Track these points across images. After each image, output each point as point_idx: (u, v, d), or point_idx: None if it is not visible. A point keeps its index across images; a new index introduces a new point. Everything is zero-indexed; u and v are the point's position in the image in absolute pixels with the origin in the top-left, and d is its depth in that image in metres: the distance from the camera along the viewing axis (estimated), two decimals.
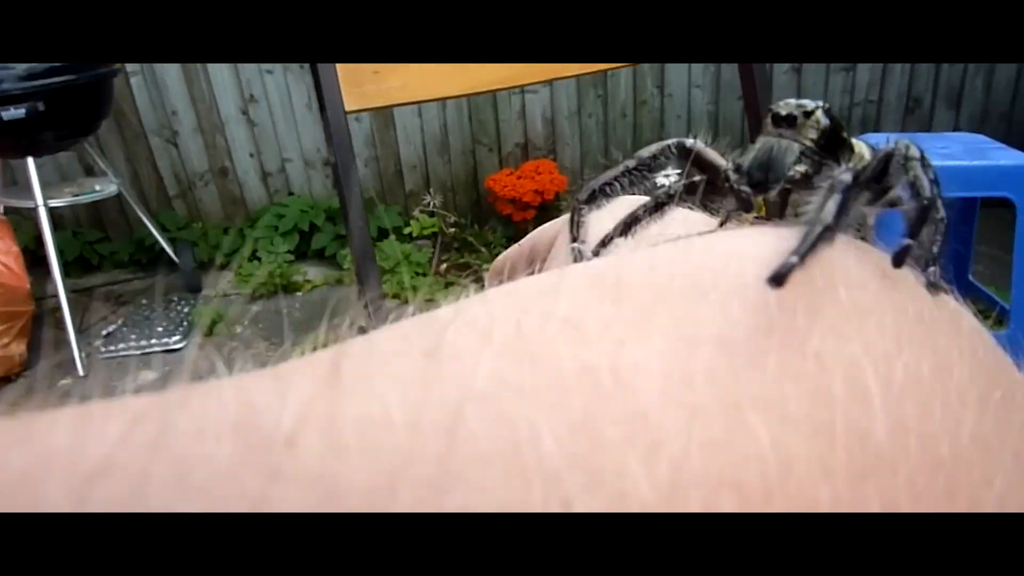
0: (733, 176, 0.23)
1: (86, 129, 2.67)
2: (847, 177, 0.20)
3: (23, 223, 2.86)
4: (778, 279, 0.16)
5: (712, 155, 0.25)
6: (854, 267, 0.19)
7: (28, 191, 2.54)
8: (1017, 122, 3.43)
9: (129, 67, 3.02)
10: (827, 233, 0.18)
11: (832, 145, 0.24)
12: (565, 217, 0.40)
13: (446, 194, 3.39)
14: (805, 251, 0.17)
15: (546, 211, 3.10)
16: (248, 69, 3.12)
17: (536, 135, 3.35)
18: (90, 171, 3.05)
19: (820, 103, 0.23)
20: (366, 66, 0.96)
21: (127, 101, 3.08)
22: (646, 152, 0.24)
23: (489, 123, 3.30)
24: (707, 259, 0.18)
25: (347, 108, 0.95)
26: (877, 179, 0.24)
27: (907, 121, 3.39)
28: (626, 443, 0.13)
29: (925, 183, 0.22)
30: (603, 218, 0.28)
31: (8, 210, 2.78)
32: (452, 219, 3.34)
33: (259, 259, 3.21)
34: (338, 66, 0.94)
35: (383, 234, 3.28)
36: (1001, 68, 3.33)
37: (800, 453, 0.13)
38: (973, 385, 0.16)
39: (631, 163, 0.24)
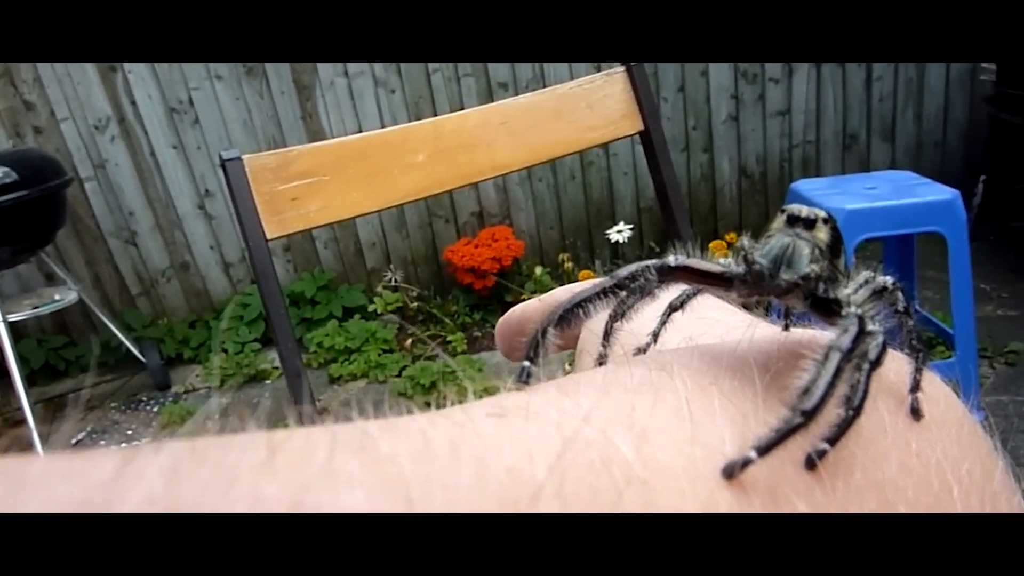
0: (746, 267, 0.23)
1: (42, 241, 2.70)
2: (846, 342, 0.20)
3: None
4: (729, 473, 0.17)
5: (703, 265, 0.24)
6: (928, 386, 0.23)
7: None
8: (950, 150, 3.55)
9: (83, 173, 3.07)
10: (800, 425, 0.18)
11: (835, 251, 0.24)
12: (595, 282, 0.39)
13: (407, 268, 3.44)
14: (767, 447, 0.17)
15: (506, 276, 3.16)
16: (201, 164, 3.18)
17: (490, 203, 3.42)
18: (51, 278, 3.07)
19: (826, 210, 0.25)
20: (284, 193, 1.01)
21: (83, 206, 3.12)
22: (624, 272, 0.23)
23: (443, 195, 3.37)
24: None
25: (268, 236, 0.99)
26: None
27: (846, 158, 3.51)
28: None
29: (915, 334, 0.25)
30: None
31: None
32: (415, 292, 3.38)
33: (226, 351, 3.22)
34: (256, 196, 0.99)
35: (348, 313, 3.32)
36: (929, 99, 3.47)
37: None
38: (1003, 488, 0.21)
39: (607, 282, 0.23)
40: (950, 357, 2.33)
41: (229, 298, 3.38)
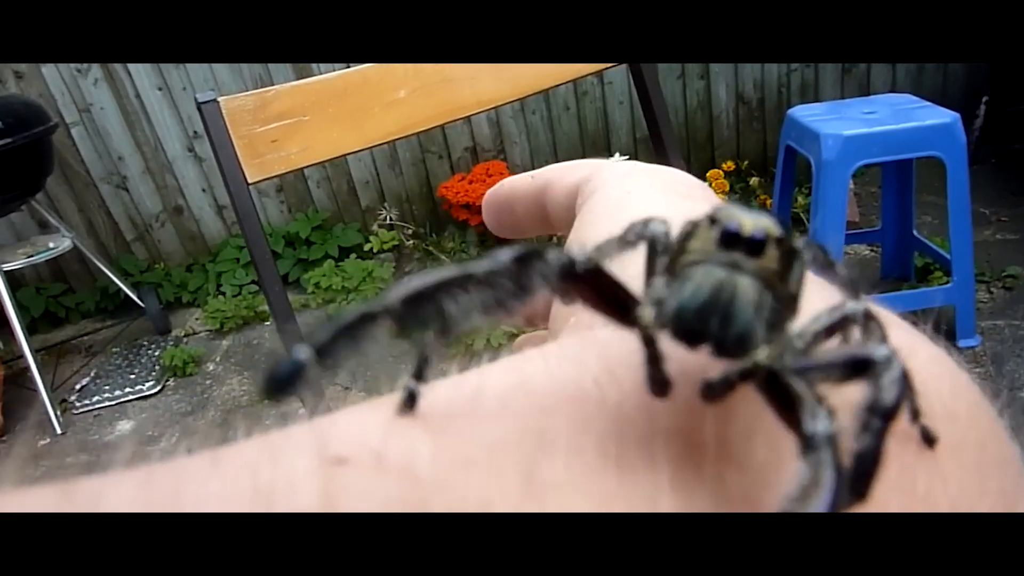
0: (649, 322, 0.15)
1: (31, 188, 2.67)
2: (820, 428, 0.14)
3: None
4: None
5: (614, 277, 0.17)
6: (947, 393, 0.19)
7: None
8: (952, 74, 3.47)
9: (68, 118, 3.02)
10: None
11: (786, 277, 0.17)
12: (589, 163, 0.33)
13: (402, 206, 3.41)
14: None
15: None
16: (188, 105, 3.12)
17: (483, 138, 3.37)
18: (44, 226, 3.06)
19: (777, 217, 0.17)
20: (263, 136, 0.99)
21: (71, 152, 3.08)
22: (503, 255, 0.16)
23: (436, 131, 3.32)
24: None
25: (250, 180, 0.97)
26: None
27: (845, 82, 3.43)
28: None
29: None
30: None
31: None
32: (411, 230, 3.36)
33: (224, 293, 3.22)
34: (235, 140, 0.97)
35: (345, 253, 3.31)
36: None
37: None
38: None
39: (480, 267, 0.16)
40: (947, 283, 2.33)
41: (225, 241, 3.36)
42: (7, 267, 2.62)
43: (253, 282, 3.23)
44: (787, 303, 0.17)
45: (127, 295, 3.04)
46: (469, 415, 0.16)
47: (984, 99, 3.31)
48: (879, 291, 2.62)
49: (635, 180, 0.30)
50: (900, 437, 0.17)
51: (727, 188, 3.18)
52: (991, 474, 0.18)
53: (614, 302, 0.16)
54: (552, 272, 0.16)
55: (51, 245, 2.82)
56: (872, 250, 2.88)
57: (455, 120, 1.12)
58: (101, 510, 0.14)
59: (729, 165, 3.34)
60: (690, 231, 0.17)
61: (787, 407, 0.15)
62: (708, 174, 3.20)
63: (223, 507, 0.14)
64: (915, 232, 2.58)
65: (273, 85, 1.04)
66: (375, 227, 3.37)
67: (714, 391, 0.15)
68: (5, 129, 2.41)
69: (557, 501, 0.15)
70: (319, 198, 3.38)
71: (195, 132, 3.17)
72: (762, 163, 3.47)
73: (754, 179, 3.27)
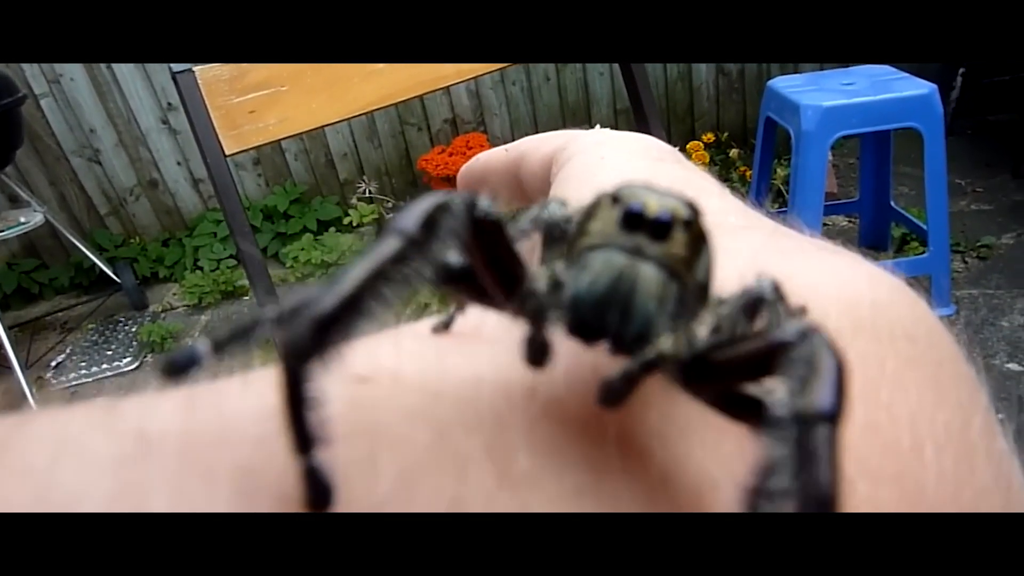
0: (544, 303, 0.14)
1: (1, 162, 2.61)
2: (784, 410, 0.12)
3: None
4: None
5: (512, 243, 0.15)
6: (907, 318, 0.20)
7: None
8: None
9: (37, 89, 2.95)
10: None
11: (693, 264, 0.15)
12: (563, 134, 0.33)
13: (381, 179, 3.38)
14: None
15: None
16: (162, 76, 3.06)
17: (463, 109, 3.34)
18: (14, 200, 3.00)
19: (685, 198, 0.15)
20: (241, 107, 0.97)
21: (41, 124, 3.01)
22: (382, 258, 0.13)
23: (415, 102, 3.28)
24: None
25: (227, 152, 0.96)
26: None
27: None
28: None
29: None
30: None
31: None
32: (390, 204, 3.34)
33: (201, 268, 3.19)
34: (212, 111, 0.95)
35: (324, 226, 3.28)
36: None
37: (879, 501, 0.15)
38: (982, 436, 0.18)
39: (359, 280, 0.13)
40: (923, 253, 2.36)
41: (201, 215, 3.32)
42: None
43: (231, 256, 3.20)
44: (695, 293, 0.15)
45: (102, 270, 2.99)
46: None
47: (960, 71, 3.33)
48: None
49: (609, 146, 0.30)
50: (864, 348, 0.18)
51: (707, 160, 3.19)
52: (949, 388, 0.19)
53: (504, 271, 0.14)
54: (459, 218, 0.14)
55: (22, 220, 2.77)
56: (850, 221, 2.90)
57: (436, 90, 1.11)
58: (147, 425, 0.14)
59: (709, 137, 3.34)
60: (591, 211, 0.15)
61: (719, 394, 0.14)
62: (688, 146, 3.20)
63: (259, 420, 0.14)
64: (892, 203, 2.60)
65: None
66: (354, 200, 3.34)
67: (613, 392, 0.14)
68: None
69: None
70: (297, 171, 3.34)
71: (169, 104, 3.11)
72: (742, 135, 3.48)
73: (734, 151, 3.27)
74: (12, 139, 2.59)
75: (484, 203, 0.15)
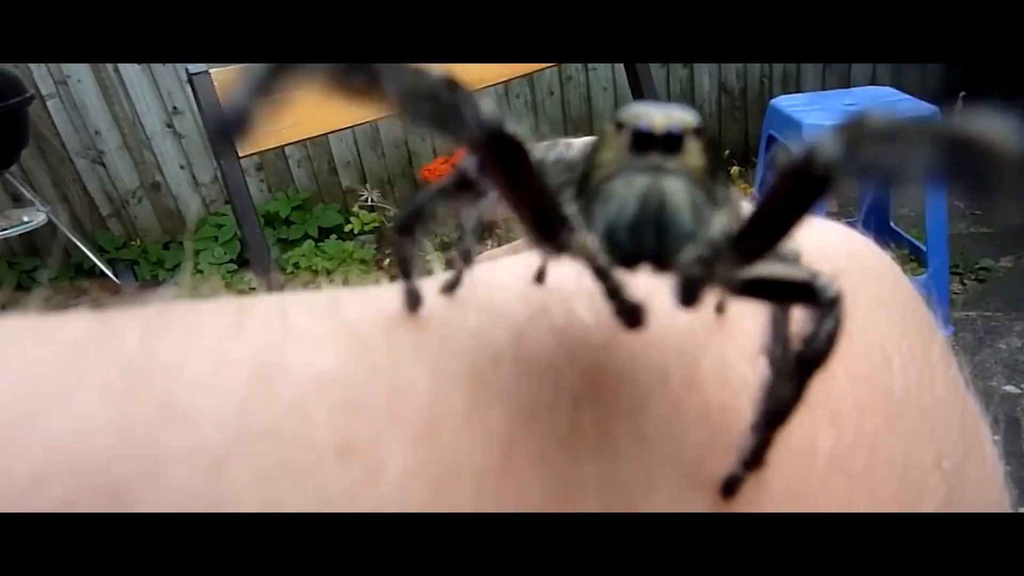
0: (594, 250, 0.14)
1: (6, 161, 2.62)
2: (830, 292, 0.14)
3: None
4: (730, 489, 0.15)
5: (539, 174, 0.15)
6: (877, 266, 0.24)
7: None
8: (931, 67, 3.52)
9: (44, 90, 2.96)
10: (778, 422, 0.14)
11: (714, 174, 0.15)
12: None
13: (383, 187, 3.40)
14: (751, 459, 0.15)
15: None
16: (168, 81, 3.07)
17: None
18: (17, 199, 3.00)
19: (691, 109, 0.15)
20: None
21: (47, 125, 3.02)
22: (466, 163, 0.16)
23: None
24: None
25: (240, 153, 0.97)
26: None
27: (827, 74, 3.46)
28: None
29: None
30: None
31: None
32: (392, 212, 3.34)
33: (201, 271, 3.19)
34: None
35: (325, 233, 3.28)
36: None
37: (856, 396, 0.19)
38: (941, 361, 0.22)
39: (450, 180, 0.17)
40: (922, 274, 2.37)
41: (203, 219, 3.33)
42: None
43: (231, 260, 3.20)
44: (722, 200, 0.15)
45: (103, 271, 2.99)
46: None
47: (961, 95, 3.36)
48: None
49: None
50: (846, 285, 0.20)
51: None
52: (911, 321, 0.22)
53: (536, 202, 0.14)
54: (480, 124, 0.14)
55: (25, 219, 2.77)
56: None
57: None
58: (139, 335, 0.16)
59: None
60: (599, 143, 0.15)
61: (773, 294, 0.15)
62: None
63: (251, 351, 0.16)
64: (892, 223, 2.62)
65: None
66: (356, 208, 3.35)
67: (687, 293, 0.14)
68: None
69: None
70: (299, 178, 3.36)
71: (174, 108, 3.13)
72: (743, 152, 3.50)
73: (735, 168, 3.29)
74: (18, 139, 2.60)
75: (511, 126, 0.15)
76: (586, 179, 0.14)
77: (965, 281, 2.66)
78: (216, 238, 3.25)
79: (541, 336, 0.17)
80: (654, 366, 0.17)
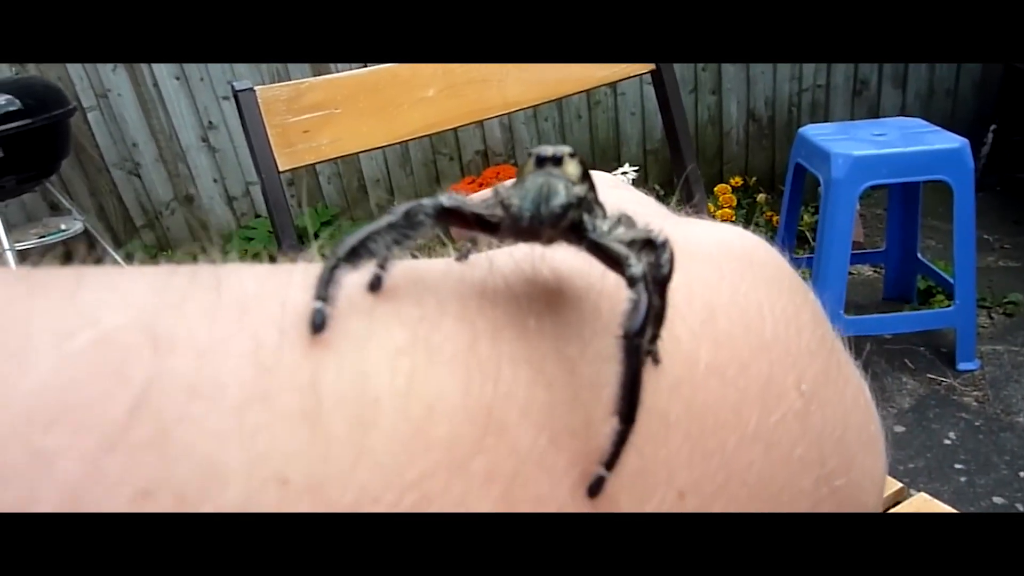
0: (505, 212, 0.22)
1: (47, 170, 2.69)
2: (638, 271, 0.20)
3: None
4: (593, 491, 0.19)
5: (472, 207, 0.23)
6: (763, 253, 0.28)
7: None
8: (961, 98, 3.51)
9: (86, 103, 3.05)
10: (627, 433, 0.19)
11: (585, 184, 0.24)
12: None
13: None
14: (611, 460, 0.19)
15: None
16: (204, 96, 3.15)
17: (495, 142, 3.39)
18: (55, 208, 3.08)
19: (569, 148, 0.24)
20: (296, 126, 1.01)
21: (86, 137, 3.10)
22: (403, 208, 0.22)
23: (448, 133, 3.35)
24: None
25: (280, 168, 1.00)
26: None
27: (856, 104, 3.47)
28: None
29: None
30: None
31: None
32: None
33: None
34: (269, 128, 0.99)
35: None
36: None
37: (731, 336, 0.23)
38: (810, 321, 0.26)
39: (391, 218, 0.21)
40: (949, 306, 2.36)
41: (233, 232, 3.38)
42: (19, 246, 2.64)
43: None
44: (590, 199, 0.24)
45: None
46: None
47: (992, 127, 3.34)
48: (882, 311, 2.65)
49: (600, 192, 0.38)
50: (732, 272, 0.26)
51: (734, 203, 3.21)
52: (787, 291, 0.26)
53: (477, 221, 0.23)
54: (431, 211, 0.22)
55: (62, 227, 2.84)
56: (876, 271, 2.91)
57: (480, 120, 1.14)
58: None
59: (737, 180, 3.37)
60: (521, 168, 0.24)
61: (612, 262, 0.22)
62: (716, 188, 3.23)
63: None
64: (919, 255, 2.61)
65: (290, 80, 1.07)
66: None
67: (546, 227, 0.21)
68: (25, 110, 2.44)
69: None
70: (329, 194, 3.41)
71: (210, 123, 3.20)
72: (770, 180, 3.50)
73: (761, 195, 3.30)
74: (60, 149, 2.67)
75: (444, 199, 0.22)
76: (516, 184, 0.23)
77: (993, 315, 2.64)
78: (246, 251, 3.30)
79: (496, 279, 0.22)
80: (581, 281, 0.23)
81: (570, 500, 0.18)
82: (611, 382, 0.19)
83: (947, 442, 2.10)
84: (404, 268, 0.21)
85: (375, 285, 0.20)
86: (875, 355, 2.42)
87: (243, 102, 0.97)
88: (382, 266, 0.21)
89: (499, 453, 0.17)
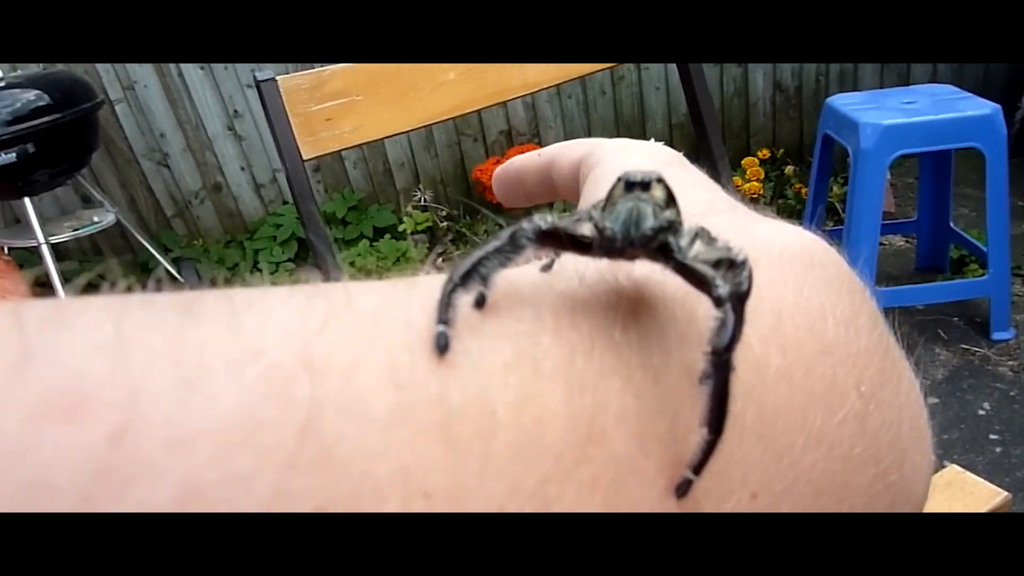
0: (598, 234, 0.23)
1: (78, 164, 2.74)
2: (724, 292, 0.21)
3: (29, 258, 2.95)
4: (681, 492, 0.20)
5: (569, 228, 0.24)
6: (824, 255, 0.29)
7: (29, 230, 2.63)
8: (994, 68, 3.42)
9: (113, 95, 3.09)
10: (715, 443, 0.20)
11: (671, 207, 0.25)
12: (588, 142, 0.41)
13: (436, 188, 3.45)
14: (699, 466, 0.20)
15: None
16: (229, 85, 3.17)
17: (519, 121, 3.38)
18: (87, 200, 3.13)
19: (657, 171, 0.25)
20: (319, 114, 1.02)
21: (115, 129, 3.15)
22: (507, 232, 0.23)
23: (472, 115, 3.34)
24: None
25: (304, 156, 1.01)
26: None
27: (885, 72, 3.40)
28: None
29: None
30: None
31: (12, 248, 2.87)
32: (445, 212, 3.40)
33: (260, 270, 3.28)
34: (292, 117, 1.00)
35: (379, 233, 3.35)
36: None
37: (799, 341, 0.24)
38: (867, 324, 0.26)
39: (497, 242, 0.23)
40: (983, 275, 2.32)
41: (261, 219, 3.42)
42: (53, 240, 2.70)
43: (289, 260, 3.29)
44: (676, 221, 0.25)
45: (167, 270, 3.11)
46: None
47: None
48: (914, 282, 2.61)
49: (628, 153, 0.38)
50: (794, 274, 0.27)
51: (762, 175, 3.17)
52: (846, 294, 0.27)
53: (572, 242, 0.24)
54: (532, 235, 0.23)
55: (95, 219, 2.89)
56: (907, 241, 2.86)
57: (503, 102, 1.14)
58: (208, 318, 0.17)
59: (764, 153, 3.33)
60: (611, 190, 0.25)
61: (698, 282, 0.22)
62: (743, 161, 3.19)
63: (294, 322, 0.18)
64: (952, 224, 2.57)
65: (314, 68, 1.07)
66: (409, 208, 3.41)
67: (635, 248, 0.23)
68: (54, 104, 2.48)
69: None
70: (355, 179, 3.43)
71: (235, 111, 3.23)
72: (798, 151, 3.46)
73: (789, 167, 3.26)
74: (90, 142, 2.72)
75: (542, 223, 0.23)
76: (606, 207, 0.24)
77: None
78: (275, 237, 3.34)
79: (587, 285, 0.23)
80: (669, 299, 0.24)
81: (659, 503, 0.19)
82: (699, 394, 0.20)
83: (981, 413, 2.08)
84: (503, 281, 0.22)
85: (480, 302, 0.22)
86: (908, 326, 2.39)
87: (265, 92, 0.98)
88: (484, 282, 0.22)
89: (601, 461, 0.18)
